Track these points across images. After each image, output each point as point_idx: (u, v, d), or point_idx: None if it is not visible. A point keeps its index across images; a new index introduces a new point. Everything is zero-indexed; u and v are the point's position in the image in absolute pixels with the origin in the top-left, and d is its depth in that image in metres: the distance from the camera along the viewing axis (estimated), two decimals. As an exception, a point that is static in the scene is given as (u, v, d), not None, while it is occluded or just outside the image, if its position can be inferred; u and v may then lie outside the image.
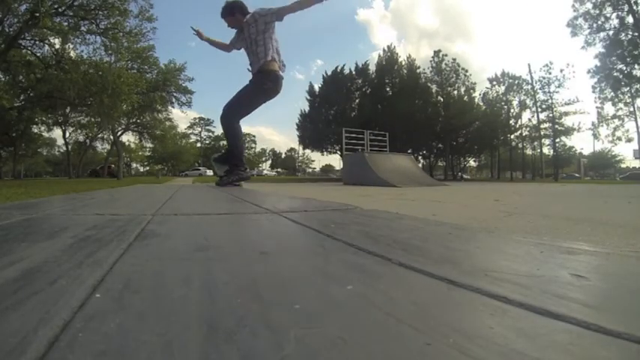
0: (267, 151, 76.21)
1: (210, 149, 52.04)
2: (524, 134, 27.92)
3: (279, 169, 69.77)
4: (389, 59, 27.16)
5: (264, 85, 3.01)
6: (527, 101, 26.45)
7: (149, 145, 37.70)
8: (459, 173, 31.06)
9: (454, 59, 26.95)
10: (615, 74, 21.00)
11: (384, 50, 28.00)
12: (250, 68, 3.11)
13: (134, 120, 26.71)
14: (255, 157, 62.28)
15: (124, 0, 13.93)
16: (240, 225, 1.21)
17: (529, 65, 29.97)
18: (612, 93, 21.70)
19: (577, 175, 35.42)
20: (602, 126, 23.19)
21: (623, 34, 20.02)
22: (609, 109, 22.25)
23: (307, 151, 36.55)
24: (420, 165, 22.35)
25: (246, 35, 3.11)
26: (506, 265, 0.65)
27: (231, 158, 3.38)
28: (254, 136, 63.22)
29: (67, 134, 31.97)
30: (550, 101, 25.06)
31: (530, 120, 26.94)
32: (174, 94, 24.22)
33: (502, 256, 0.76)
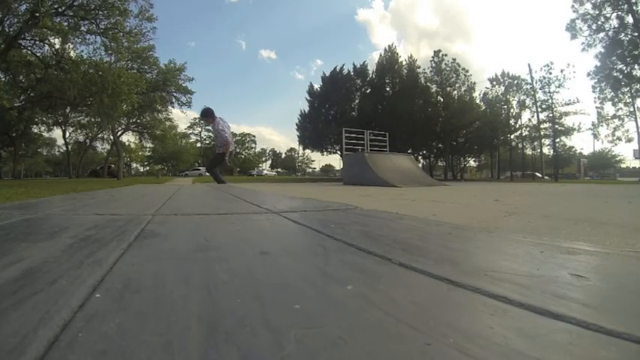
0: (267, 151, 76.17)
1: (210, 149, 52.09)
2: (524, 134, 27.94)
3: (279, 169, 69.76)
4: (389, 59, 27.15)
5: (224, 155, 6.01)
6: (527, 101, 26.47)
7: (149, 145, 37.71)
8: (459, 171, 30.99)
9: (454, 59, 26.96)
10: (615, 74, 20.98)
11: (384, 50, 28.00)
12: (215, 148, 6.35)
13: (134, 120, 26.72)
14: (255, 157, 62.16)
15: (124, 0, 13.94)
16: (240, 225, 1.21)
17: (529, 65, 30.00)
18: (612, 93, 21.70)
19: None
20: (602, 126, 23.18)
21: (623, 34, 20.02)
22: (609, 109, 22.25)
23: (307, 151, 36.53)
24: (420, 165, 22.34)
25: (213, 132, 6.49)
26: (506, 265, 0.65)
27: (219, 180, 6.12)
28: (254, 136, 63.00)
29: (67, 134, 32.04)
30: (550, 101, 25.07)
31: (530, 120, 26.97)
32: (174, 94, 24.23)
33: (502, 256, 0.76)
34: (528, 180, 25.80)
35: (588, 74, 22.17)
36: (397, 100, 25.03)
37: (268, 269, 0.62)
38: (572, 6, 21.14)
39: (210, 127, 6.59)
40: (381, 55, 27.99)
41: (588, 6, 20.66)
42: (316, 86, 28.47)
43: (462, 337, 0.35)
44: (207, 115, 5.98)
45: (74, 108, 20.85)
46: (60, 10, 13.17)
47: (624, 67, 20.58)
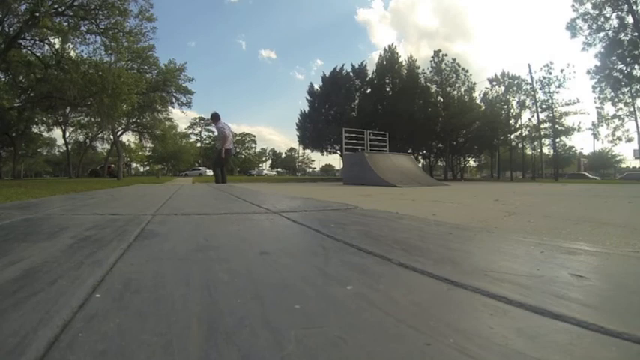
0: (267, 151, 76.19)
1: (210, 149, 52.21)
2: (524, 134, 27.96)
3: (279, 169, 69.81)
4: (389, 59, 27.15)
5: (223, 153, 6.91)
6: (527, 101, 26.49)
7: (149, 145, 37.72)
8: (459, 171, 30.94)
9: (454, 59, 26.98)
10: (615, 74, 20.98)
11: (384, 50, 28.01)
12: (217, 145, 7.33)
13: (134, 120, 26.74)
14: (255, 157, 62.13)
15: (123, 0, 13.93)
16: (240, 225, 1.21)
17: (529, 65, 30.06)
18: (612, 93, 21.69)
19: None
20: (602, 126, 23.16)
21: (623, 34, 20.02)
22: (609, 109, 22.24)
23: (307, 151, 36.51)
24: (420, 165, 22.33)
25: (215, 130, 7.32)
26: (506, 265, 0.65)
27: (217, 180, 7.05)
28: (254, 136, 62.99)
29: (67, 134, 32.08)
30: (550, 101, 25.08)
31: (530, 120, 26.98)
32: (175, 94, 24.23)
33: (502, 256, 0.76)
34: (528, 180, 25.78)
35: (588, 72, 22.13)
36: (397, 100, 25.03)
37: (268, 269, 0.62)
38: (573, 5, 21.14)
39: (211, 128, 7.98)
40: (380, 55, 28.01)
41: (588, 6, 20.66)
42: (316, 86, 28.47)
43: (462, 337, 0.35)
44: (214, 117, 7.21)
45: (74, 108, 20.86)
46: (60, 10, 13.17)
47: (624, 67, 20.57)
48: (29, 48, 14.61)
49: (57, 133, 32.72)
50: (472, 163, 37.02)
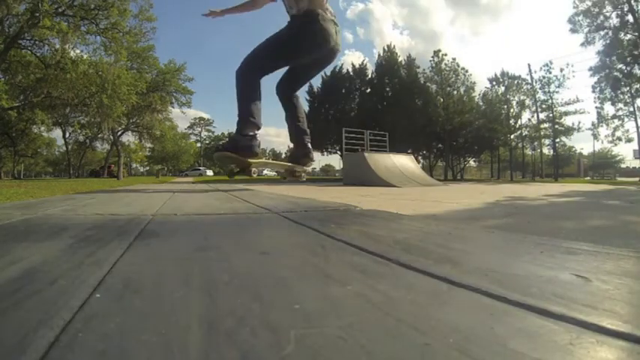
0: (267, 151, 76.22)
1: (210, 149, 52.28)
2: (524, 134, 27.94)
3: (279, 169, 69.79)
4: (388, 59, 27.18)
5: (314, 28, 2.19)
6: (527, 101, 26.48)
7: (149, 145, 37.74)
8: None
9: (454, 59, 27.01)
10: (615, 74, 20.97)
11: (384, 49, 28.05)
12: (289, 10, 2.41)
13: (134, 120, 26.75)
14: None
15: (123, 0, 13.94)
16: (240, 225, 1.21)
17: (529, 65, 30.06)
18: (612, 93, 21.68)
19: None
20: (601, 126, 23.14)
21: (623, 34, 20.01)
22: (609, 109, 22.22)
23: (307, 151, 36.43)
24: (420, 165, 22.33)
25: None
26: (507, 265, 0.65)
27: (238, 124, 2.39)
28: (254, 136, 62.88)
29: (67, 134, 32.11)
30: (550, 101, 25.06)
31: (530, 120, 26.97)
32: (174, 94, 24.23)
33: (502, 256, 0.76)
34: (528, 180, 25.79)
35: (590, 68, 22.11)
36: (397, 100, 25.06)
37: (268, 269, 0.62)
38: (573, 2, 21.17)
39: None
40: (380, 55, 28.03)
41: (589, 3, 20.68)
42: (316, 86, 28.47)
43: (462, 337, 0.35)
44: None
45: (74, 108, 20.86)
46: (60, 9, 13.17)
47: (624, 67, 20.57)
48: (29, 48, 14.61)
49: (57, 133, 32.76)
50: (472, 163, 37.01)
